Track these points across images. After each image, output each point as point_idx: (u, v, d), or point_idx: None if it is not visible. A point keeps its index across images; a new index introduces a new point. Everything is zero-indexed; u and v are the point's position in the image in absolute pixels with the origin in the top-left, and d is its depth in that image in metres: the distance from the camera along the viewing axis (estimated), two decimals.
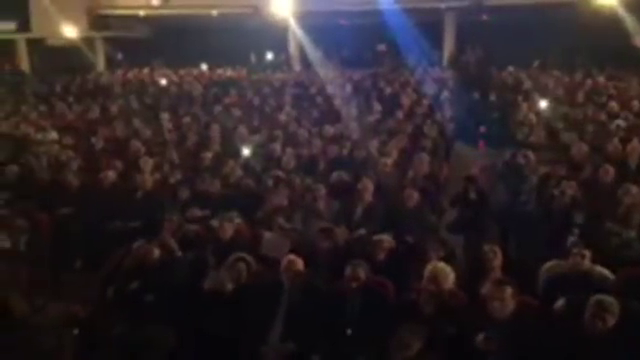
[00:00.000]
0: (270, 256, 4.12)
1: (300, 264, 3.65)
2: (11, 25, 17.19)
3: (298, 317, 3.38)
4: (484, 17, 17.26)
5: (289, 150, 7.02)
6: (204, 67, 18.49)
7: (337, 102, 10.51)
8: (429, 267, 3.47)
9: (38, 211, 5.27)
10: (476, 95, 11.13)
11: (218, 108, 10.67)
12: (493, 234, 5.16)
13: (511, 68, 14.45)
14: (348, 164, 6.54)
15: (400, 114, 9.36)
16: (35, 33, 17.57)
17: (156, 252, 3.87)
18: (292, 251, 3.91)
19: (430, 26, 15.66)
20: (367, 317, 3.35)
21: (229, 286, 3.52)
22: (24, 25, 17.45)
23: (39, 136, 8.52)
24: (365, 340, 3.22)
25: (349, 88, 12.24)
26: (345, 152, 7.08)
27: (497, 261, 3.68)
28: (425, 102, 10.39)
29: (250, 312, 3.42)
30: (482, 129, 9.23)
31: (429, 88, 11.86)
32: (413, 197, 5.05)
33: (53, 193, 5.86)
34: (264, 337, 3.35)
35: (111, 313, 3.56)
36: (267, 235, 4.35)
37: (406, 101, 10.56)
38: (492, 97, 10.89)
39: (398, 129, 8.21)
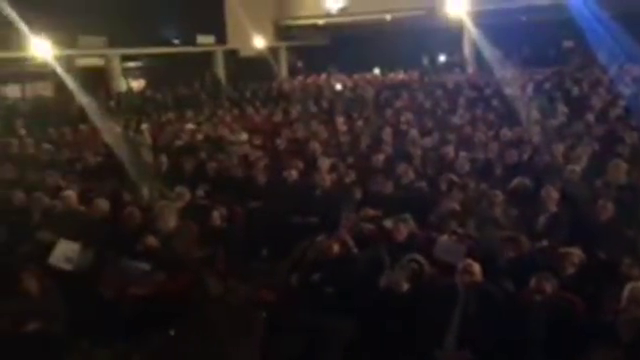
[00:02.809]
0: (444, 260, 4.08)
1: (477, 271, 3.55)
2: (211, 39, 19.64)
3: (474, 326, 3.29)
4: None
5: (463, 154, 6.86)
6: (376, 71, 18.91)
7: (516, 104, 9.91)
8: (629, 287, 3.11)
9: (233, 203, 5.92)
10: None
11: (390, 111, 10.84)
12: None
13: None
14: (528, 170, 6.16)
15: (591, 117, 8.50)
16: (230, 45, 19.82)
17: (335, 247, 4.10)
18: (468, 257, 3.82)
19: (633, 17, 13.83)
20: (552, 335, 3.13)
21: (405, 286, 3.58)
22: (221, 38, 19.80)
23: (232, 137, 9.56)
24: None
25: (530, 89, 11.47)
26: (525, 157, 6.69)
27: None
28: (621, 103, 9.26)
29: (424, 314, 3.43)
30: None
31: (626, 88, 10.53)
32: (607, 209, 4.57)
33: (244, 188, 6.54)
34: (439, 341, 3.33)
35: (294, 300, 3.86)
36: (441, 239, 4.30)
37: (597, 102, 9.55)
38: None
39: (587, 133, 7.48)
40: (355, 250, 4.31)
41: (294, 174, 6.67)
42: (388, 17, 18.68)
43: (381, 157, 7.14)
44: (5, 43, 13.21)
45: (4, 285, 4.14)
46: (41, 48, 13.03)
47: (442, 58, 20.43)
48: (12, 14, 11.40)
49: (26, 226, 5.22)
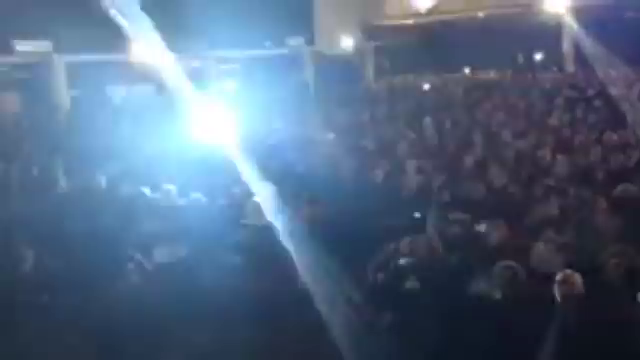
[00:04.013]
0: (540, 269, 3.88)
1: (579, 283, 3.34)
2: (300, 40, 20.08)
3: (573, 340, 3.09)
4: None
5: (561, 157, 6.50)
6: (466, 71, 18.35)
7: (622, 105, 9.20)
8: None
9: (320, 201, 5.99)
10: None
11: (480, 112, 10.48)
12: None
13: None
14: (635, 176, 5.71)
15: None
16: (318, 47, 20.14)
17: (423, 249, 4.04)
18: (568, 267, 3.60)
19: None
20: None
21: (497, 294, 3.45)
22: (309, 40, 20.19)
23: (319, 137, 9.70)
24: None
25: (638, 89, 10.60)
26: (632, 162, 6.21)
27: None
28: None
29: (518, 325, 3.28)
30: None
31: None
32: None
33: (331, 187, 6.61)
34: (533, 354, 3.17)
35: (379, 301, 3.85)
36: (537, 247, 4.09)
37: None
38: None
39: None
40: (443, 254, 4.22)
41: (380, 175, 6.65)
42: (481, 15, 18.06)
43: (471, 159, 6.93)
44: (113, 47, 14.31)
45: (110, 272, 4.48)
46: (147, 51, 13.99)
47: (538, 56, 19.39)
48: (122, 20, 12.30)
49: (131, 216, 5.62)
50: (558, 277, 3.41)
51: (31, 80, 14.82)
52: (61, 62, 14.70)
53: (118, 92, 17.14)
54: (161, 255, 4.79)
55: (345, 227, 5.74)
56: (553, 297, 3.38)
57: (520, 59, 19.23)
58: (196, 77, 17.68)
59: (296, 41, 19.90)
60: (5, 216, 5.66)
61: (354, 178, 6.73)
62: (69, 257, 4.63)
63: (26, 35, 13.84)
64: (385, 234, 5.05)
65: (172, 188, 6.05)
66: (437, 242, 4.31)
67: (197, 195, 5.82)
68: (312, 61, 20.12)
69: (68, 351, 3.83)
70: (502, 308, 3.41)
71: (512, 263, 3.67)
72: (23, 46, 13.95)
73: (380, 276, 4.04)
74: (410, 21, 19.87)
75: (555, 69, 16.70)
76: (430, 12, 18.56)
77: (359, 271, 4.70)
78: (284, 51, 19.53)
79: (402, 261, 3.96)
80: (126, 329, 3.95)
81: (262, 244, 4.74)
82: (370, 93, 15.13)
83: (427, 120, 10.12)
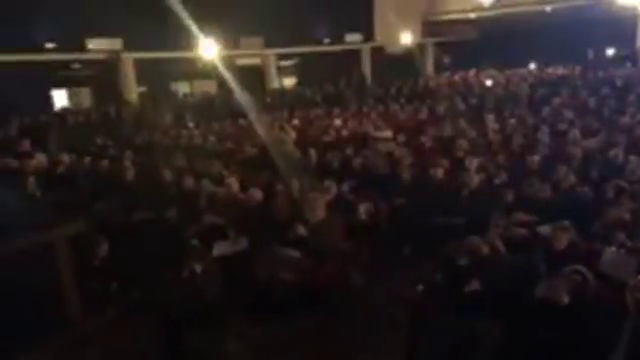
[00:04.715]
0: (611, 275, 3.69)
1: None
2: (358, 37, 20.04)
3: None
4: None
5: (634, 158, 6.14)
6: (532, 66, 17.67)
7: None
8: None
9: (378, 198, 5.97)
10: None
11: (547, 109, 10.06)
12: None
13: None
14: None
15: None
16: (377, 42, 20.03)
17: (485, 249, 3.93)
18: None
19: None
20: None
21: (565, 298, 3.30)
22: (368, 36, 20.12)
23: (377, 133, 9.64)
24: None
25: None
26: None
27: None
28: None
29: (587, 331, 3.14)
30: None
31: None
32: None
33: (389, 184, 6.56)
34: None
35: (439, 301, 3.78)
36: (608, 251, 3.89)
37: None
38: None
39: None
40: (506, 255, 4.09)
41: (440, 173, 6.53)
42: (548, 8, 17.29)
43: (536, 158, 6.68)
44: (177, 44, 14.86)
45: (173, 262, 4.65)
46: (208, 49, 14.46)
47: (610, 51, 18.37)
48: (185, 18, 12.79)
49: (194, 209, 5.81)
50: (631, 283, 3.23)
51: (102, 76, 15.62)
52: (130, 59, 15.40)
53: (182, 87, 17.75)
54: (221, 247, 4.92)
55: (403, 225, 5.71)
56: (625, 304, 3.21)
57: (590, 54, 18.29)
58: (255, 74, 18.22)
59: (354, 37, 19.90)
60: (76, 205, 5.99)
61: (412, 175, 6.63)
62: (136, 246, 4.85)
63: (99, 33, 14.60)
64: (444, 233, 4.97)
65: (233, 182, 6.19)
66: (499, 243, 4.18)
67: (256, 190, 5.93)
68: (370, 57, 20.03)
69: (132, 337, 4.01)
70: (569, 314, 3.26)
71: (581, 267, 3.51)
72: (96, 44, 14.72)
73: (440, 276, 3.97)
74: (472, 15, 19.33)
75: (628, 64, 15.73)
76: (493, 6, 17.96)
77: (417, 270, 4.66)
78: (342, 47, 19.56)
79: (463, 261, 3.87)
80: (187, 317, 4.10)
81: (318, 240, 4.79)
82: (429, 89, 14.84)
83: (490, 117, 9.83)
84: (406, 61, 18.44)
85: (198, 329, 4.13)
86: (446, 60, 21.88)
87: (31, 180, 6.45)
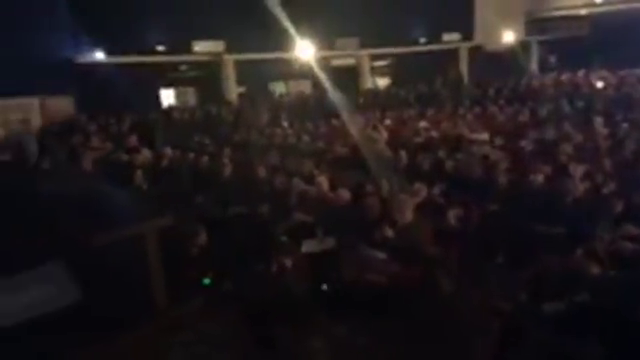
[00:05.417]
0: None
1: None
2: (456, 36, 19.49)
3: None
4: None
5: None
6: None
7: None
8: None
9: (470, 204, 5.76)
10: None
11: None
12: None
13: None
14: None
15: None
16: (476, 41, 19.35)
17: (588, 264, 3.65)
18: None
19: None
20: None
21: None
22: (467, 35, 19.49)
23: (473, 136, 9.29)
24: None
25: None
26: None
27: None
28: None
29: None
30: None
31: None
32: None
33: (483, 189, 6.31)
34: None
35: (533, 315, 3.57)
36: None
37: None
38: None
39: None
40: (612, 271, 3.77)
41: (540, 179, 6.17)
42: None
43: None
44: (275, 46, 15.37)
45: (262, 256, 4.81)
46: (304, 50, 14.80)
47: None
48: (282, 21, 13.21)
49: (285, 206, 5.97)
50: None
51: (205, 77, 16.54)
52: (231, 60, 16.16)
53: (278, 88, 18.31)
54: (309, 245, 5.01)
55: (496, 232, 5.46)
56: None
57: None
58: (350, 74, 18.36)
59: (452, 36, 19.39)
60: (178, 198, 6.37)
61: (509, 181, 6.32)
62: (229, 239, 5.07)
63: (203, 36, 15.49)
64: (543, 243, 4.69)
65: (324, 181, 6.28)
66: (605, 257, 3.87)
67: (345, 190, 5.97)
68: (469, 56, 19.39)
69: (219, 326, 4.19)
70: None
71: None
72: (201, 46, 15.63)
73: (538, 288, 3.75)
74: (583, 11, 18.03)
75: None
76: (607, 1, 16.62)
77: (513, 280, 4.44)
78: (440, 47, 19.13)
79: (564, 274, 3.63)
80: (274, 311, 4.22)
81: (405, 242, 4.72)
82: (532, 90, 14.04)
83: (598, 120, 9.12)
84: (507, 60, 17.62)
85: (284, 323, 4.24)
86: (552, 59, 20.60)
87: (139, 173, 6.97)
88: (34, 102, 12.55)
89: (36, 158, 3.10)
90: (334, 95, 12.71)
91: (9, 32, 11.57)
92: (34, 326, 2.34)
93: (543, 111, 10.76)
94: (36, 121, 12.43)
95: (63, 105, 12.99)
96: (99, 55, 13.96)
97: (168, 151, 8.47)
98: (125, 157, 8.09)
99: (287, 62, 16.57)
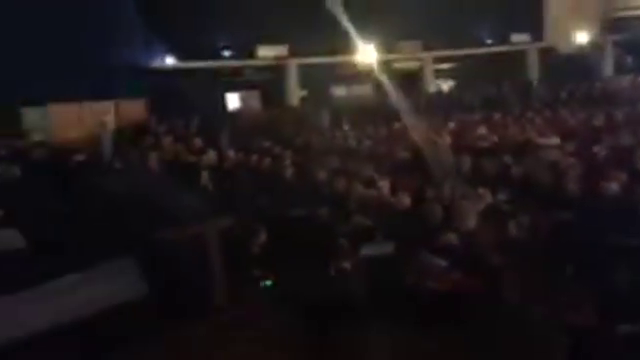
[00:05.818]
0: None
1: None
2: (525, 37, 18.78)
3: None
4: None
5: None
6: None
7: None
8: None
9: (538, 212, 5.52)
10: None
11: None
12: None
13: None
14: None
15: None
16: (546, 42, 18.56)
17: None
18: None
19: None
20: None
21: None
22: (537, 36, 18.75)
23: (541, 140, 8.91)
24: None
25: None
26: None
27: None
28: None
29: None
30: None
31: None
32: None
33: (552, 197, 6.02)
34: None
35: (609, 333, 3.36)
36: None
37: None
38: None
39: None
40: None
41: (615, 187, 5.82)
42: None
43: None
44: (337, 50, 15.46)
45: (322, 258, 4.82)
46: (366, 54, 14.78)
47: None
48: (345, 25, 13.26)
49: (344, 209, 5.96)
50: None
51: (269, 81, 16.88)
52: (294, 64, 16.40)
53: (339, 91, 18.36)
54: (368, 249, 4.97)
55: (566, 242, 5.20)
56: None
57: None
58: (412, 77, 18.12)
59: (521, 38, 18.70)
60: (241, 199, 6.51)
61: (580, 188, 6.00)
62: (289, 240, 5.12)
63: (267, 41, 15.85)
64: (618, 255, 4.41)
65: (384, 185, 6.22)
66: None
67: (405, 194, 5.88)
68: (539, 58, 18.62)
69: (277, 326, 4.24)
70: None
71: None
72: (264, 51, 16.00)
73: (611, 305, 3.53)
74: None
75: None
76: None
77: (584, 295, 4.21)
78: (508, 48, 18.50)
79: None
80: (332, 312, 4.22)
81: (467, 250, 4.58)
82: (607, 93, 13.28)
83: None
84: (580, 62, 16.77)
85: (342, 325, 4.23)
86: (629, 60, 19.40)
87: (204, 174, 7.19)
88: (109, 105, 13.30)
89: (110, 158, 3.28)
90: (396, 98, 12.59)
91: (89, 43, 12.42)
92: (110, 315, 2.46)
93: (619, 115, 10.16)
94: (111, 123, 13.16)
95: (136, 108, 13.69)
96: (169, 61, 14.62)
97: (231, 153, 8.69)
98: (192, 158, 8.38)
99: (349, 66, 16.61)
